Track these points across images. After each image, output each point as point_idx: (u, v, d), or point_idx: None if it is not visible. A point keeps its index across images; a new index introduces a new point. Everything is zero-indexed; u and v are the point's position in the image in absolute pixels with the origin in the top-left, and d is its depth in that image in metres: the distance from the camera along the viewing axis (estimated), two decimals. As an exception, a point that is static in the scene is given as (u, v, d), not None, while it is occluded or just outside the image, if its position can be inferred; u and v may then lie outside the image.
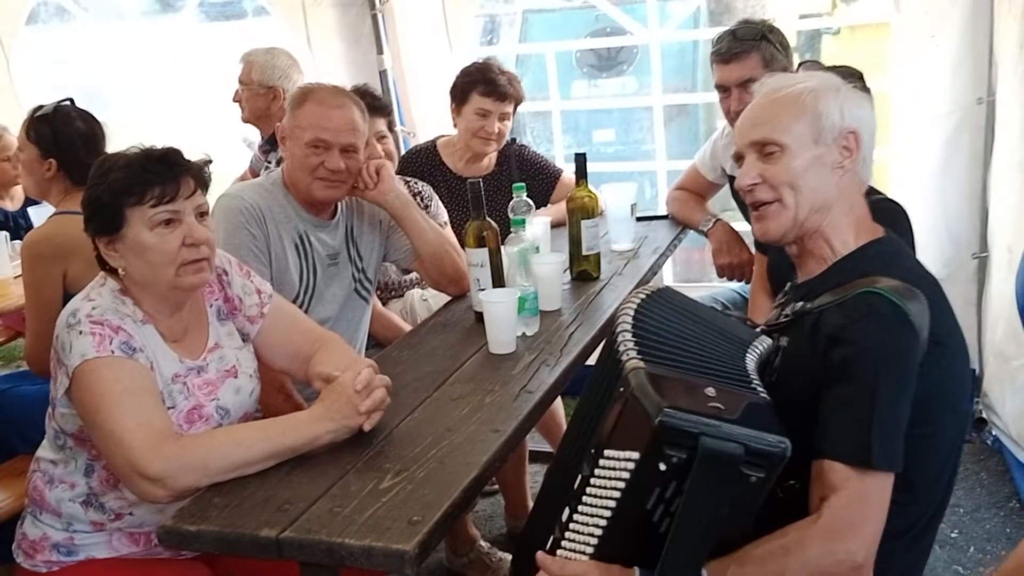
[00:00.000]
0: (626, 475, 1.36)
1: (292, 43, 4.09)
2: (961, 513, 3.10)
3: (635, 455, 1.34)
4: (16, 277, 3.35)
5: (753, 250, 2.97)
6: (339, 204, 2.55)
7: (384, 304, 3.06)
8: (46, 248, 2.58)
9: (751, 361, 1.54)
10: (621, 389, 1.41)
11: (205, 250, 1.81)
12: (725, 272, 3.08)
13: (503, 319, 2.16)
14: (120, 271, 1.80)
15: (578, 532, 1.45)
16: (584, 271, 2.68)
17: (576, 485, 1.44)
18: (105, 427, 1.67)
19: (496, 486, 3.30)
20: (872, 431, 1.41)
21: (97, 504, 1.86)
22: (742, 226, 3.14)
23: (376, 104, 2.95)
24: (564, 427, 3.30)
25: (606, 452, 1.39)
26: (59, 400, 1.79)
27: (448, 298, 2.68)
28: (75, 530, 1.87)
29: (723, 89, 2.84)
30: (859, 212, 1.66)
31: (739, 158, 1.69)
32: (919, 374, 1.46)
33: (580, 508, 1.44)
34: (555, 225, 2.92)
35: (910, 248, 2.00)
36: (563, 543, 1.47)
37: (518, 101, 3.22)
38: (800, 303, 1.62)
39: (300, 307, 2.37)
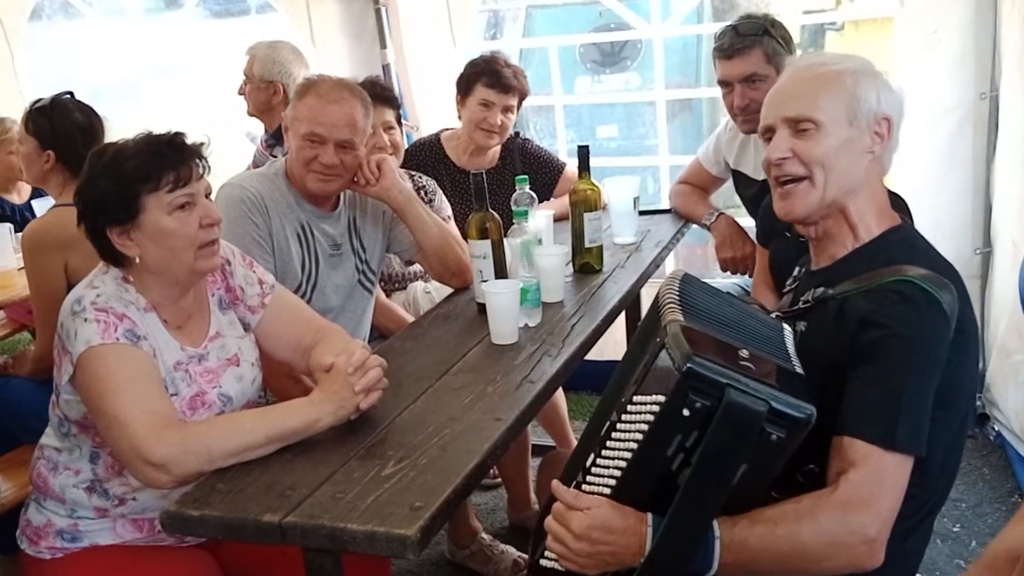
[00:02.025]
0: (650, 418, 1.39)
1: (296, 38, 4.09)
2: (963, 508, 3.10)
3: (660, 399, 1.38)
4: (20, 269, 3.36)
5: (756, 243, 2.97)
6: (341, 195, 2.56)
7: (387, 296, 3.07)
8: (46, 240, 2.59)
9: (790, 344, 1.55)
10: (657, 340, 1.44)
11: (217, 231, 1.84)
12: (729, 266, 3.07)
13: (505, 310, 2.16)
14: (136, 260, 1.79)
15: (599, 475, 1.49)
16: (587, 264, 2.68)
17: (603, 431, 1.48)
18: (109, 413, 1.67)
19: (498, 479, 3.30)
20: (899, 413, 1.41)
21: (101, 490, 1.87)
22: (746, 220, 3.14)
23: (385, 95, 2.96)
24: (566, 420, 3.31)
25: (635, 398, 1.43)
26: (63, 387, 1.80)
27: (451, 290, 2.69)
28: (79, 516, 1.88)
29: (725, 84, 2.84)
30: (881, 199, 1.66)
31: (768, 131, 1.66)
32: (947, 362, 1.47)
33: (603, 452, 1.47)
34: (558, 219, 2.92)
35: None
36: (584, 486, 1.50)
37: (523, 95, 3.23)
38: (820, 289, 1.61)
39: (303, 297, 2.38)
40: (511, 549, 2.96)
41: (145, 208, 1.76)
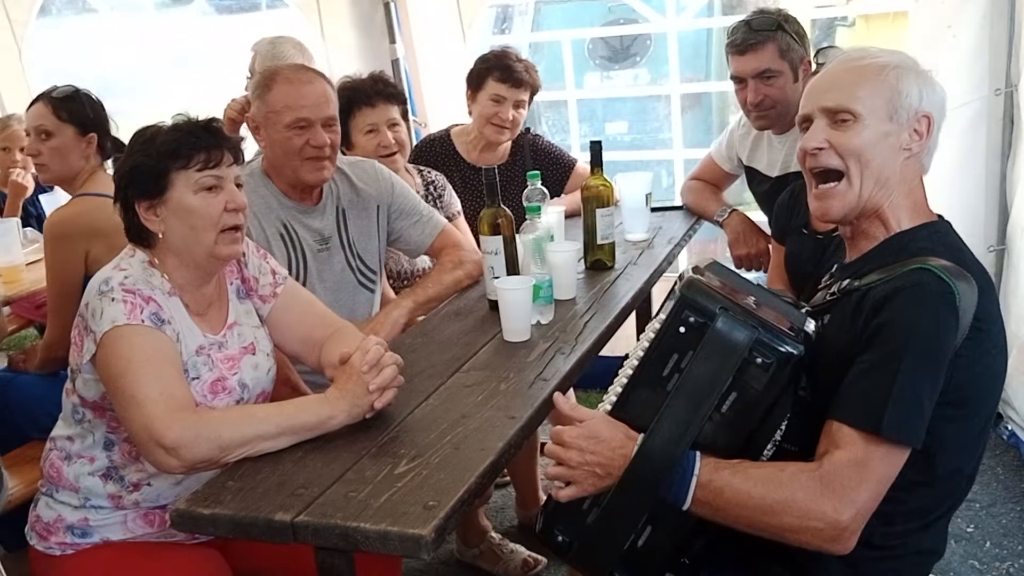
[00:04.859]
0: (651, 335, 1.54)
1: (306, 33, 4.09)
2: (977, 508, 3.08)
3: (662, 317, 1.53)
4: (29, 264, 3.36)
5: (770, 239, 2.95)
6: (324, 187, 2.51)
7: (396, 293, 3.04)
8: (71, 227, 2.61)
9: (809, 327, 1.57)
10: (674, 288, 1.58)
11: (242, 217, 1.86)
12: (743, 263, 3.05)
13: (518, 307, 2.14)
14: (159, 235, 1.82)
15: (607, 395, 1.62)
16: (599, 260, 2.66)
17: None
18: (127, 392, 1.68)
19: (507, 478, 3.29)
20: (888, 400, 1.39)
21: (117, 477, 1.87)
22: (756, 215, 3.12)
23: (389, 92, 2.93)
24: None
25: (646, 328, 1.58)
26: (83, 366, 1.80)
27: (461, 287, 2.66)
28: (92, 505, 1.88)
29: (739, 80, 2.81)
30: (917, 196, 1.62)
31: (805, 121, 1.63)
32: (957, 356, 1.44)
33: (617, 378, 1.62)
34: (569, 215, 2.90)
35: None
36: (600, 406, 1.64)
37: (534, 90, 3.20)
38: (847, 281, 1.60)
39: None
40: (520, 548, 2.95)
41: (173, 184, 1.79)
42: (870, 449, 1.39)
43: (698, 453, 1.46)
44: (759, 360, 1.42)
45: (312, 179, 2.39)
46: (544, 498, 3.06)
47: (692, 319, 1.46)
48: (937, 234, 1.60)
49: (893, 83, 1.55)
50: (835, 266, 1.76)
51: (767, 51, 2.73)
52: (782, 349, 1.43)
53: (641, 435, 1.49)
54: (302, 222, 2.46)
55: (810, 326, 1.56)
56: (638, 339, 1.65)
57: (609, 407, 1.58)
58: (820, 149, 1.58)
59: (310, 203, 2.48)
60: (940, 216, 1.65)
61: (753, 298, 1.51)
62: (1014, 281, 3.28)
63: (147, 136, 1.83)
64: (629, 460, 1.47)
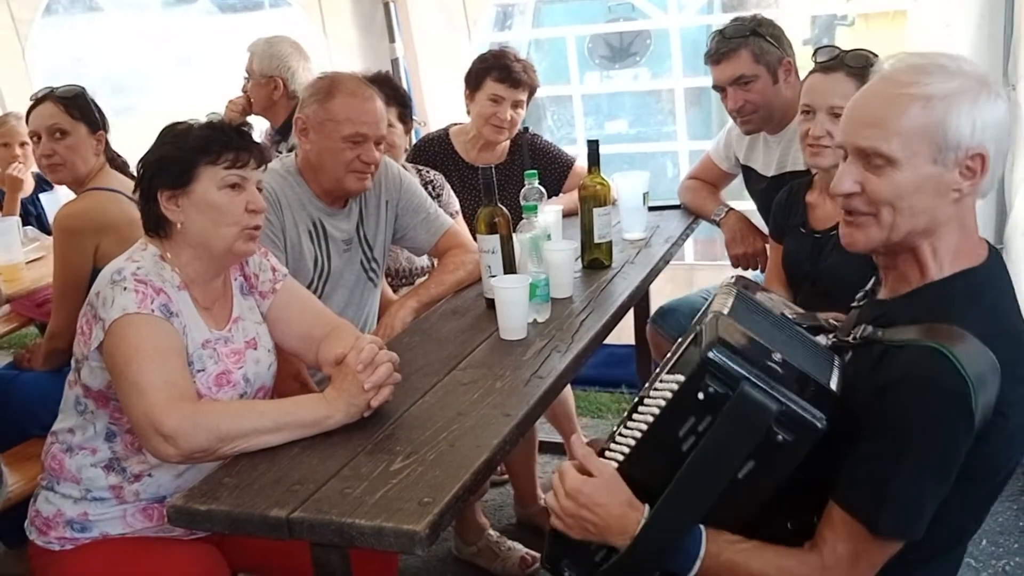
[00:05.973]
0: (668, 395, 1.42)
1: (308, 32, 4.10)
2: (974, 506, 3.08)
3: (681, 378, 1.40)
4: (29, 262, 3.38)
5: (768, 239, 2.95)
6: None
7: (395, 291, 3.06)
8: (81, 221, 2.63)
9: (835, 377, 1.48)
10: (696, 328, 1.48)
11: (261, 219, 1.91)
12: (740, 262, 3.05)
13: (514, 305, 2.15)
14: (178, 225, 1.85)
15: (618, 445, 1.53)
16: (596, 259, 2.67)
17: (634, 403, 1.53)
18: (131, 379, 1.71)
19: (506, 475, 3.30)
20: (887, 495, 1.34)
21: (119, 468, 1.90)
22: (748, 205, 3.13)
23: (388, 94, 2.94)
24: (574, 416, 3.30)
25: (664, 375, 1.46)
26: (91, 355, 1.82)
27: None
28: (93, 498, 1.89)
29: (719, 89, 2.86)
30: (967, 230, 1.44)
31: (840, 148, 1.47)
32: (974, 440, 1.34)
33: (628, 423, 1.52)
34: (567, 214, 2.91)
35: None
36: (607, 452, 1.55)
37: (532, 89, 3.21)
38: (869, 328, 1.48)
39: (315, 293, 2.37)
40: (518, 546, 2.96)
41: (198, 178, 1.83)
42: (867, 540, 1.36)
43: (704, 532, 1.43)
44: (780, 437, 1.35)
45: (355, 188, 2.43)
46: (543, 499, 3.09)
47: (712, 389, 1.36)
48: (975, 290, 1.42)
49: (940, 117, 1.34)
50: (873, 280, 1.63)
51: (740, 57, 2.77)
52: (806, 423, 1.35)
53: (647, 507, 1.44)
54: (331, 223, 2.50)
55: (834, 379, 1.46)
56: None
57: (620, 458, 1.50)
58: (852, 194, 1.42)
59: (338, 207, 2.52)
60: (991, 248, 1.47)
61: (779, 355, 1.40)
62: (1016, 281, 3.28)
63: (179, 130, 1.88)
64: (627, 529, 1.43)
